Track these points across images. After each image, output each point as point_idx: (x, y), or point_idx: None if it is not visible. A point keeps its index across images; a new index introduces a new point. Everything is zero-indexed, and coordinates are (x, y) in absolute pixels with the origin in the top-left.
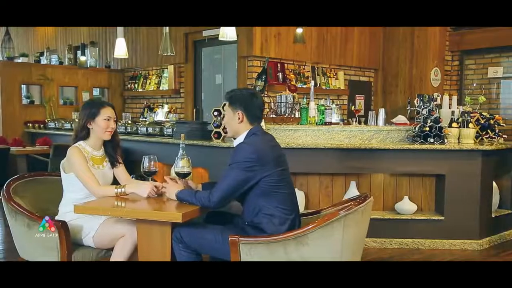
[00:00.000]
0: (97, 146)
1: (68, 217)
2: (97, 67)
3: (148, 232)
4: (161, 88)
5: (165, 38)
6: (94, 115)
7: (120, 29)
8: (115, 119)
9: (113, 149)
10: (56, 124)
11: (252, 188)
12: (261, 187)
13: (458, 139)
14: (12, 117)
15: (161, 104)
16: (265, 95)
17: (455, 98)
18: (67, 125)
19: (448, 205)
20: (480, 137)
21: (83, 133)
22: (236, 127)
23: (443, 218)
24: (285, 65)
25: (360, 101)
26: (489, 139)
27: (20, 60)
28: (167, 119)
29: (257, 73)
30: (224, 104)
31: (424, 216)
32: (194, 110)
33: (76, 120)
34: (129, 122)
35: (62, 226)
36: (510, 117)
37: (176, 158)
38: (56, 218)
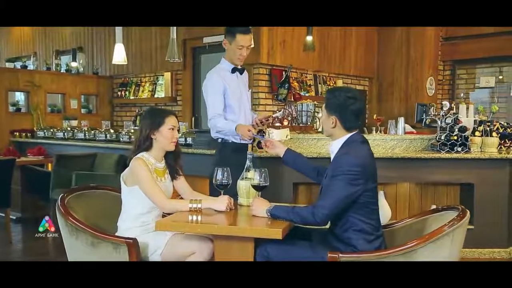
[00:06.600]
0: (159, 157)
1: (131, 234)
2: (85, 73)
3: (227, 249)
4: (156, 96)
5: (171, 44)
6: (159, 125)
7: (118, 34)
8: (178, 128)
9: (174, 161)
10: (46, 133)
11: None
12: (357, 201)
13: (480, 147)
14: None
15: None
16: (288, 103)
17: (471, 107)
18: (59, 134)
19: (477, 213)
20: (500, 146)
21: (146, 144)
22: (330, 131)
23: (472, 227)
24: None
25: None
26: (507, 147)
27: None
28: None
29: (262, 81)
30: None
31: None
32: (193, 118)
33: (133, 129)
34: (132, 130)
35: (133, 244)
36: None
37: (251, 170)
38: (117, 234)
